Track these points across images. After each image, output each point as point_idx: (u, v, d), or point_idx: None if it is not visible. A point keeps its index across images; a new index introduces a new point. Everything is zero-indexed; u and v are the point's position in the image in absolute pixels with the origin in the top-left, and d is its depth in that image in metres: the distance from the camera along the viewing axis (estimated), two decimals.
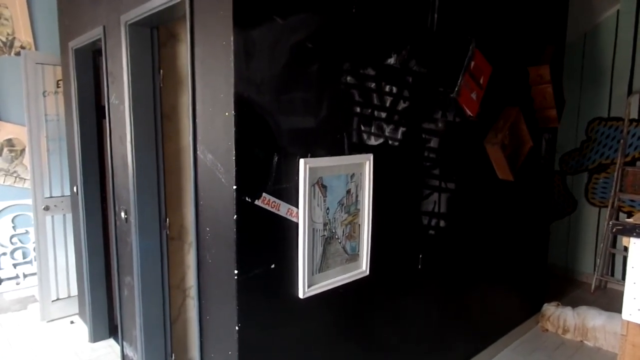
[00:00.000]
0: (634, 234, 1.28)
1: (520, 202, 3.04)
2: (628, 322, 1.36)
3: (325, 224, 1.84)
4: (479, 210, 2.70)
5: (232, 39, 1.44)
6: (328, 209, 1.84)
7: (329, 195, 1.84)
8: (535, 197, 3.22)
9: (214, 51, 1.55)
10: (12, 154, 3.96)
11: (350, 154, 1.88)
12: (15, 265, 4.08)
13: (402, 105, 2.07)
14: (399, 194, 2.17)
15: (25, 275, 4.10)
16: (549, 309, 3.36)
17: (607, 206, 4.04)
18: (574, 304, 3.38)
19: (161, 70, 2.28)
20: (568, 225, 4.45)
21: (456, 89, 2.29)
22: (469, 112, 2.40)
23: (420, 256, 2.33)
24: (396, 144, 2.09)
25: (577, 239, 4.41)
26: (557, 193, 4.47)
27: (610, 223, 1.36)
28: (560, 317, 3.27)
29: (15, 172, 3.99)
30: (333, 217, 1.87)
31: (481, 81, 2.41)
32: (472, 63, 2.33)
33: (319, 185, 1.79)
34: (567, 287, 4.15)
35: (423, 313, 2.41)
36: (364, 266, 2.02)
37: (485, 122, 2.59)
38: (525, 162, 2.86)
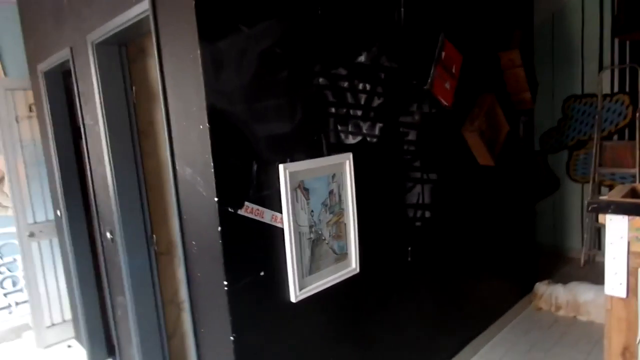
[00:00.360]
0: (609, 210, 1.31)
1: (503, 185, 3.09)
2: (611, 297, 1.40)
3: (310, 227, 1.85)
4: (463, 198, 2.73)
5: (198, 51, 1.44)
6: (312, 211, 1.85)
7: (312, 197, 1.84)
8: (518, 179, 3.27)
9: (182, 65, 1.55)
10: None
11: (329, 154, 1.89)
12: (5, 295, 4.02)
13: (376, 101, 2.08)
14: (382, 189, 2.19)
15: (17, 304, 4.05)
16: (541, 287, 3.42)
17: (589, 182, 4.12)
18: (565, 281, 3.44)
19: (133, 87, 2.26)
20: (553, 204, 4.53)
21: (429, 80, 2.31)
22: (444, 102, 2.42)
23: (409, 249, 2.35)
24: (374, 140, 2.10)
25: (563, 216, 4.49)
26: (539, 173, 4.54)
27: (586, 202, 1.39)
28: (552, 294, 3.33)
29: None
30: (318, 219, 1.88)
31: (453, 70, 2.44)
32: (443, 54, 2.36)
33: (300, 188, 1.80)
34: (557, 265, 4.22)
35: (416, 304, 2.43)
36: (353, 264, 2.03)
37: (462, 111, 2.62)
38: (505, 146, 2.90)
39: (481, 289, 2.96)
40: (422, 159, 2.39)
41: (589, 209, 1.34)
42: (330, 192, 1.92)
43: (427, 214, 2.46)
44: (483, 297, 2.98)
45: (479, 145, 2.63)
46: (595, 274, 3.86)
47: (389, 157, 2.20)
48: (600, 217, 1.35)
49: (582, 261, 4.14)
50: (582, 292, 3.21)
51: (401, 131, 2.25)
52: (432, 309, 2.55)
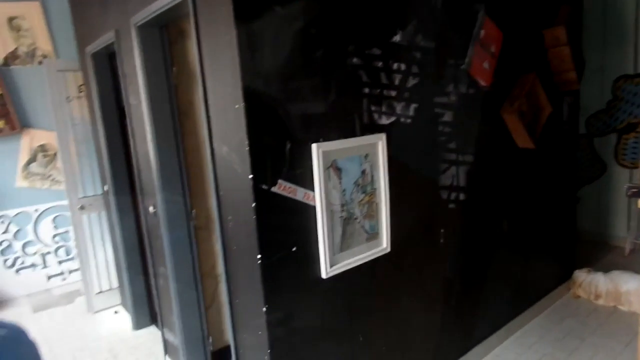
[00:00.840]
0: None
1: (543, 169, 2.99)
2: None
3: (342, 205, 1.88)
4: (500, 181, 2.67)
5: (234, 32, 1.47)
6: (344, 190, 1.88)
7: (344, 176, 1.87)
8: (560, 163, 3.15)
9: (219, 46, 1.59)
10: (46, 159, 4.17)
11: (362, 134, 1.91)
12: (60, 263, 4.34)
13: (411, 81, 2.06)
14: (415, 170, 2.18)
15: (70, 271, 4.36)
16: (580, 275, 3.32)
17: (638, 167, 3.91)
18: (606, 269, 3.33)
19: (174, 67, 2.35)
20: (598, 190, 4.33)
21: (466, 60, 2.26)
22: (482, 83, 2.36)
23: (442, 230, 2.35)
24: (409, 120, 2.09)
25: (608, 202, 4.30)
26: (584, 157, 4.35)
27: (625, 186, 1.33)
28: (592, 283, 3.23)
29: (50, 175, 4.20)
30: (350, 198, 1.91)
31: (493, 49, 2.37)
32: (482, 32, 2.29)
33: (333, 168, 1.82)
34: (599, 253, 4.07)
35: (448, 286, 2.44)
36: (384, 243, 2.06)
37: (501, 91, 2.54)
38: (547, 128, 2.80)
39: (517, 274, 2.91)
40: (458, 140, 2.35)
41: (628, 193, 1.30)
42: (363, 172, 1.94)
43: (462, 196, 2.43)
44: (518, 282, 2.94)
45: (518, 127, 2.56)
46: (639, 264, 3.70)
47: (423, 138, 2.19)
48: (639, 202, 1.31)
49: (627, 250, 3.97)
50: (625, 282, 3.09)
51: (436, 112, 2.22)
52: (464, 291, 2.55)
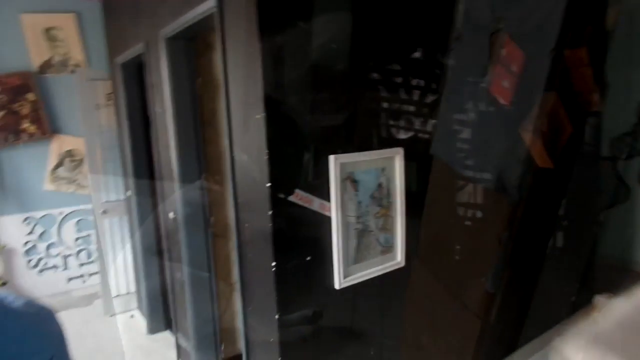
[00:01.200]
0: None
1: (563, 190, 2.95)
2: None
3: (358, 217, 1.90)
4: (517, 199, 2.65)
5: (259, 45, 1.53)
6: (360, 202, 1.90)
7: (360, 189, 1.89)
8: (580, 184, 3.11)
9: (243, 58, 1.65)
10: (73, 164, 4.30)
11: (380, 148, 1.93)
12: (80, 265, 4.44)
13: (430, 98, 2.09)
14: (432, 185, 2.19)
15: (90, 274, 4.46)
16: (601, 300, 3.23)
17: None
18: (628, 295, 3.23)
19: (199, 79, 2.43)
20: (622, 214, 4.23)
21: (487, 78, 2.27)
22: (502, 101, 2.37)
23: (458, 247, 2.33)
24: (426, 136, 2.11)
25: (633, 227, 4.18)
26: (607, 180, 4.26)
27: None
28: None
29: (76, 180, 4.34)
30: (365, 210, 1.92)
31: (514, 68, 2.37)
32: (503, 51, 2.31)
33: (349, 180, 1.85)
34: (622, 279, 3.95)
35: (462, 304, 2.41)
36: (399, 257, 2.06)
37: (521, 110, 2.54)
38: (567, 149, 2.77)
39: (533, 296, 2.86)
40: (476, 158, 2.35)
41: None
42: (379, 185, 1.96)
43: (478, 214, 2.42)
44: (535, 305, 2.88)
45: (537, 146, 2.55)
46: None
47: (440, 154, 2.20)
48: None
49: None
50: None
51: (455, 129, 2.23)
52: (477, 312, 2.51)
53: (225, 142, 1.88)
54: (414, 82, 2.02)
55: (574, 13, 2.84)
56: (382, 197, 1.98)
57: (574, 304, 3.22)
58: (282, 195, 1.66)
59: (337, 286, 1.83)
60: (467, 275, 2.41)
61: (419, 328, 2.14)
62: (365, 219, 1.93)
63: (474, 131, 2.29)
